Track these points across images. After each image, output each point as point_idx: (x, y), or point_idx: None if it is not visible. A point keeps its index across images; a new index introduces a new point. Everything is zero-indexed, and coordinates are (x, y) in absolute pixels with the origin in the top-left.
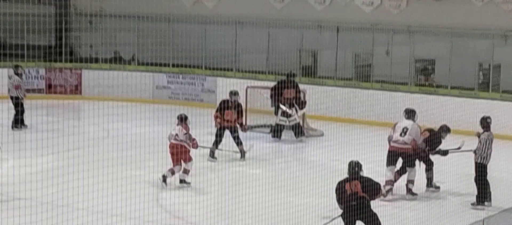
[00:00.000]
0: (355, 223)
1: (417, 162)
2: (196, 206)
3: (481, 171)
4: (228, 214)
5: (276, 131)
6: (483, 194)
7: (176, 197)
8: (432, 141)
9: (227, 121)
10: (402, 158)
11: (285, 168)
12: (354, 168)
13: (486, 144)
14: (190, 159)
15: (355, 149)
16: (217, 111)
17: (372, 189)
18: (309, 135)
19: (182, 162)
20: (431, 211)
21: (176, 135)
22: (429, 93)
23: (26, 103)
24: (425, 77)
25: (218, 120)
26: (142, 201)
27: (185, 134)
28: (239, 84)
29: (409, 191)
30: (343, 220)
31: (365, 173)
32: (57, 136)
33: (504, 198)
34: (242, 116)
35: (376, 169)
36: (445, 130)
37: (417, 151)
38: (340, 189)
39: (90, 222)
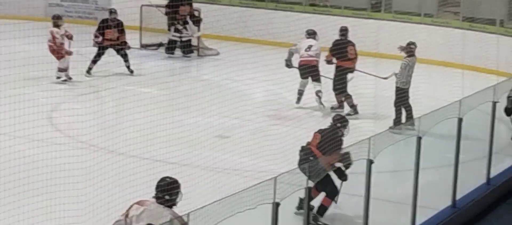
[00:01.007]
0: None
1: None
2: (88, 124)
3: (400, 95)
4: (120, 132)
5: (169, 48)
6: (408, 117)
7: (68, 116)
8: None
9: (109, 40)
10: (310, 72)
11: (177, 86)
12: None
13: (405, 69)
14: (62, 57)
15: (250, 68)
16: (97, 30)
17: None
18: (204, 54)
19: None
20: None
21: (55, 37)
22: (322, 14)
23: None
24: None
25: (98, 39)
26: (33, 119)
27: (62, 34)
28: (133, 2)
29: (319, 99)
30: None
31: (260, 92)
32: None
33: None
34: (124, 33)
35: (269, 88)
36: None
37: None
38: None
39: None
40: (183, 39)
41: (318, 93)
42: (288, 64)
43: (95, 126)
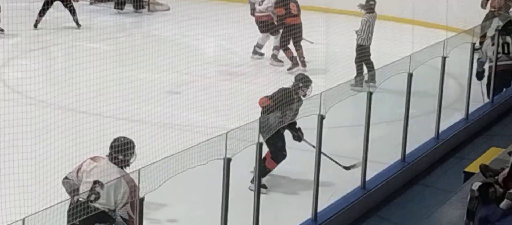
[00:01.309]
0: None
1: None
2: (37, 80)
3: (361, 52)
4: (70, 88)
5: (118, 3)
6: (369, 74)
7: (17, 71)
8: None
9: None
10: (263, 27)
11: (127, 42)
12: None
13: (366, 26)
14: None
15: (201, 23)
16: None
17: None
18: (155, 10)
19: None
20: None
21: None
22: None
23: None
24: None
25: None
26: None
27: None
28: None
29: (273, 56)
30: None
31: (210, 47)
32: None
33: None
34: None
35: (220, 43)
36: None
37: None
38: None
39: None
40: None
41: (273, 51)
42: (252, 14)
43: (45, 81)
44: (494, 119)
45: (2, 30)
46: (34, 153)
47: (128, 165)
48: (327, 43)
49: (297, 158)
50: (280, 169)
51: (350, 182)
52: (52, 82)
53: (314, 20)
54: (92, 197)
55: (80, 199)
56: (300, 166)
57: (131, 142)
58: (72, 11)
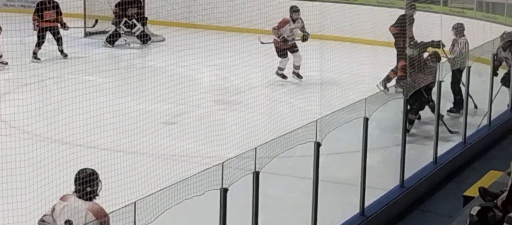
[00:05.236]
0: None
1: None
2: (33, 114)
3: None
4: (66, 121)
5: (113, 36)
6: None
7: (12, 106)
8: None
9: (47, 22)
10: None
11: (123, 73)
12: None
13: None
14: None
15: (196, 53)
16: (34, 13)
17: None
18: (150, 40)
19: None
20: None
21: None
22: None
23: None
24: None
25: (36, 22)
26: None
27: None
28: None
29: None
30: None
31: (206, 77)
32: None
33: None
34: (61, 15)
35: (216, 73)
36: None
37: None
38: None
39: None
40: (136, 34)
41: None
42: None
43: (40, 115)
44: (492, 142)
45: (6, 63)
46: (31, 187)
47: (97, 195)
48: (322, 69)
49: (294, 185)
50: (276, 196)
51: (348, 209)
52: (47, 116)
53: (308, 46)
54: None
55: None
56: (298, 194)
57: (94, 172)
58: (59, 41)
